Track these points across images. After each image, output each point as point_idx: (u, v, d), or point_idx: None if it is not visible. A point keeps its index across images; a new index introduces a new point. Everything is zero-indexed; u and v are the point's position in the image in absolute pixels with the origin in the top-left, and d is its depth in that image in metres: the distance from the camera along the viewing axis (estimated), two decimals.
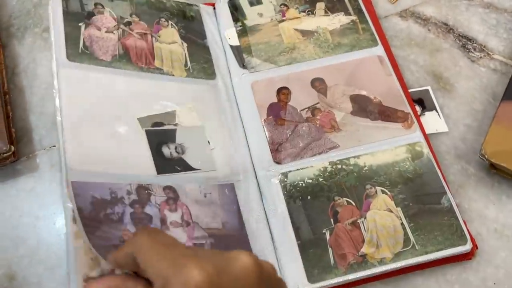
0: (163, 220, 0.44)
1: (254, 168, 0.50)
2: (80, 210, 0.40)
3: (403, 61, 0.58)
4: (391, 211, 0.47)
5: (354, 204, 0.47)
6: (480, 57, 0.58)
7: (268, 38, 0.57)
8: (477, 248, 0.47)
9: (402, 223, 0.46)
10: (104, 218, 0.41)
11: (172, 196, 0.45)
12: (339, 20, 0.58)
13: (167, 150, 0.48)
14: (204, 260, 0.27)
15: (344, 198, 0.47)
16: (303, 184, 0.48)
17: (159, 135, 0.48)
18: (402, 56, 0.58)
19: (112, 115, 0.48)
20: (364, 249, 0.45)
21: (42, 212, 0.49)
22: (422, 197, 0.47)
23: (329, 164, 0.49)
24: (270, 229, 0.47)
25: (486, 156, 0.48)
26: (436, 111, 0.54)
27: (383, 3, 0.62)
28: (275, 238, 0.46)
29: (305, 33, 0.57)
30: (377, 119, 0.52)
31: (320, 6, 0.59)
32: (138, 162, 0.46)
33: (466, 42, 0.59)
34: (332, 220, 0.46)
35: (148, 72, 0.52)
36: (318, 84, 0.54)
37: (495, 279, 0.46)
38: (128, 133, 0.47)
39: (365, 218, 0.46)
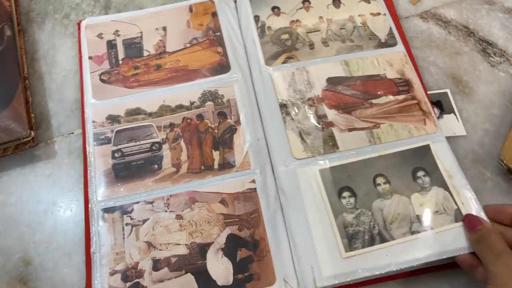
0: None
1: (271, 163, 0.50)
2: None
3: (423, 63, 0.57)
4: None
5: None
6: (500, 62, 0.58)
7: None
8: None
9: None
10: None
11: None
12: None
13: None
14: None
15: None
16: None
17: None
18: (422, 58, 0.58)
19: None
20: None
21: (59, 198, 0.49)
22: None
23: None
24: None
25: (504, 161, 0.48)
26: (455, 114, 0.54)
27: (404, 3, 0.62)
28: None
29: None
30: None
31: None
32: None
33: (486, 47, 0.59)
34: None
35: None
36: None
37: None
38: None
39: None
